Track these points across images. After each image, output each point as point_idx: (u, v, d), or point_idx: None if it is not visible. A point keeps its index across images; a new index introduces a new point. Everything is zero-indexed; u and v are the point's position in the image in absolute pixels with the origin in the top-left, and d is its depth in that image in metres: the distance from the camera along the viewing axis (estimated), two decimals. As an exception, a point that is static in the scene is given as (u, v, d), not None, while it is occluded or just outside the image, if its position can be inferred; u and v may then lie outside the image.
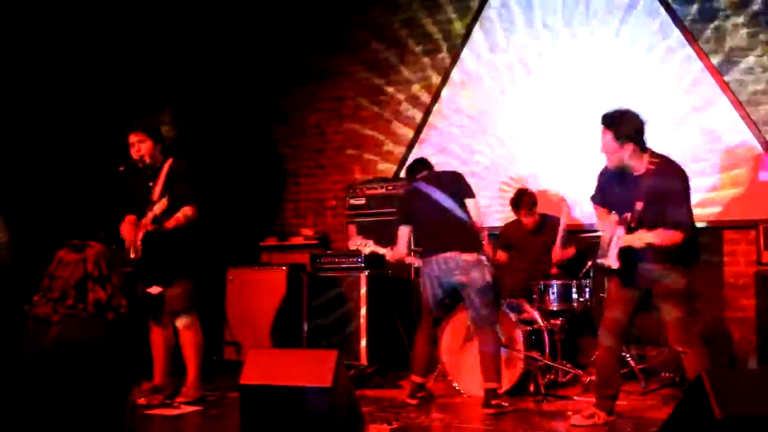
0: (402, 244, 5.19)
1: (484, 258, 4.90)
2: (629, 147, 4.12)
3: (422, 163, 5.38)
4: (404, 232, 5.18)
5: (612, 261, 4.09)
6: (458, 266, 4.84)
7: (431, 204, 5.01)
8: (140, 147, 5.03)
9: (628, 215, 4.08)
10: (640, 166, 4.16)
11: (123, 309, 2.86)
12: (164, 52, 7.10)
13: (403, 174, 7.26)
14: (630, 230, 4.05)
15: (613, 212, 4.19)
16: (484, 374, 4.78)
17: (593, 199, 4.56)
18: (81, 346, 2.74)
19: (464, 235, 4.91)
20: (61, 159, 6.20)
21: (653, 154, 4.19)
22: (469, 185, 5.15)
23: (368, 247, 5.48)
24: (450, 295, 5.06)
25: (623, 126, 4.14)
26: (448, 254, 4.87)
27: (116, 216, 5.05)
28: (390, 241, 5.57)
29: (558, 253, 5.90)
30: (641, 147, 4.16)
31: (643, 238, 3.96)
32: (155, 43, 7.01)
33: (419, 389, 5.09)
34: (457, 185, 5.09)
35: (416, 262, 5.52)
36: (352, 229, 6.87)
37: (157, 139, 5.10)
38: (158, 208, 4.78)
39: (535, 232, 6.08)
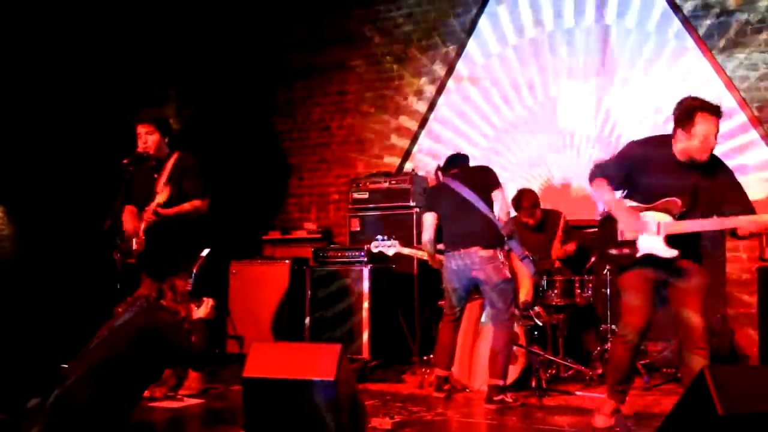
0: (427, 231, 5.13)
1: (502, 255, 4.88)
2: None
3: (456, 159, 5.31)
4: (428, 218, 5.14)
5: (666, 251, 3.94)
6: (476, 262, 4.86)
7: (456, 200, 5.00)
8: (147, 139, 5.00)
9: (678, 201, 3.93)
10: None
11: (178, 315, 3.95)
12: (168, 45, 7.09)
13: (407, 168, 7.29)
14: (681, 217, 3.93)
15: (627, 194, 4.08)
16: (490, 370, 4.80)
17: (605, 170, 4.13)
18: (136, 325, 3.73)
19: (485, 231, 4.90)
20: (66, 151, 6.21)
21: None
22: (496, 177, 5.09)
23: (393, 248, 5.46)
24: (470, 290, 5.08)
25: None
26: (467, 250, 4.89)
27: (119, 208, 5.05)
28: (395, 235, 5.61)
29: (557, 249, 5.91)
30: None
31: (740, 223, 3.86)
32: (159, 37, 7.01)
33: (444, 382, 5.09)
34: (484, 179, 5.05)
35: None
36: (355, 222, 6.88)
37: (164, 132, 5.08)
38: (161, 198, 4.78)
39: (536, 229, 6.07)
